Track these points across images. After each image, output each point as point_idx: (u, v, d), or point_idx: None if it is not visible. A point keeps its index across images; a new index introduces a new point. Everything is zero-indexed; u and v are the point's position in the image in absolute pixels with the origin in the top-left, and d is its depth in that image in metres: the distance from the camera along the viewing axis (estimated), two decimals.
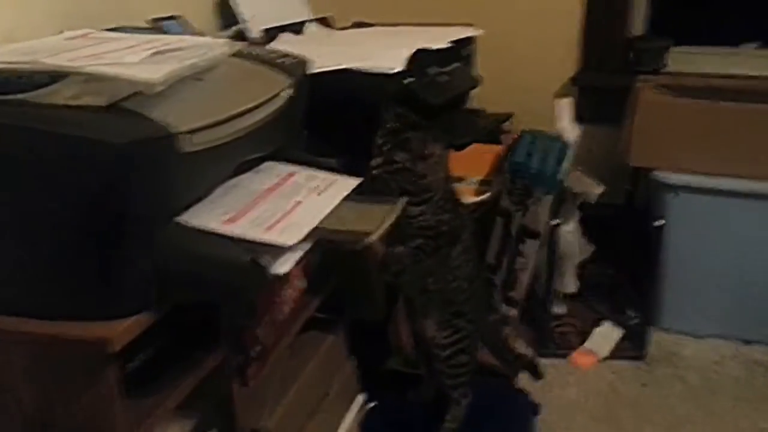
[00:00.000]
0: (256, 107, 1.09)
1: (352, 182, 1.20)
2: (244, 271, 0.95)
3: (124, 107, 0.91)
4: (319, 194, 1.15)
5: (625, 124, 2.09)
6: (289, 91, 1.20)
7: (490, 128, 1.85)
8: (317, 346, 1.51)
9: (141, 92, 0.92)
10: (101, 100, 0.91)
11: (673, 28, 2.36)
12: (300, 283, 1.41)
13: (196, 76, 1.05)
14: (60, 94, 0.91)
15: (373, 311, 1.60)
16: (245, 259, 0.95)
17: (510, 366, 1.80)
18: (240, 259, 0.95)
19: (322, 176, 1.20)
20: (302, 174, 1.20)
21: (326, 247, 1.10)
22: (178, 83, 0.97)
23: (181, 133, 0.92)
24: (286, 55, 1.32)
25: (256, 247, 0.99)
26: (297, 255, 1.02)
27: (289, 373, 1.41)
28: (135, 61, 0.95)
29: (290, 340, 1.37)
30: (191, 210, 1.01)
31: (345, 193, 1.15)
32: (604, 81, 2.34)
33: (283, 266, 1.01)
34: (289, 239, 0.99)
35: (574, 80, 2.39)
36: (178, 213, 0.99)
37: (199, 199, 1.04)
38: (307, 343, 1.49)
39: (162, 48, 1.01)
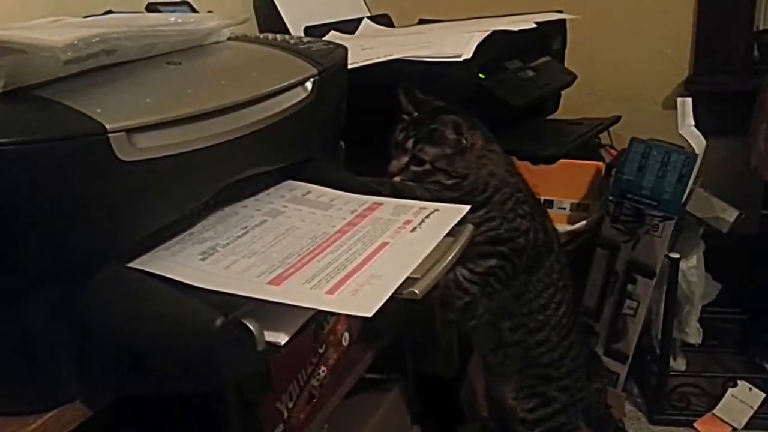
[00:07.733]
0: (254, 102, 0.79)
1: (459, 210, 0.90)
2: (214, 340, 0.62)
3: (30, 93, 0.62)
4: (413, 231, 0.85)
5: (754, 133, 1.85)
6: (311, 85, 0.89)
7: (589, 136, 1.56)
8: (372, 410, 1.33)
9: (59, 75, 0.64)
10: None
11: None
12: (344, 337, 1.24)
13: (172, 59, 0.80)
14: None
15: (442, 366, 1.47)
16: (216, 321, 0.61)
17: None
18: (207, 321, 0.62)
19: (418, 206, 0.91)
20: (389, 205, 0.91)
21: None
22: (138, 68, 0.74)
23: (116, 131, 0.62)
24: (313, 41, 1.02)
25: (243, 303, 0.66)
26: (305, 314, 0.70)
27: None
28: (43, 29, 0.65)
29: (332, 408, 1.19)
30: (219, 267, 0.71)
31: (449, 226, 0.86)
32: (725, 84, 2.13)
33: (285, 330, 0.68)
34: (362, 305, 0.67)
35: (687, 84, 2.14)
36: (124, 254, 0.67)
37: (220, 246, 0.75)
38: (358, 407, 1.32)
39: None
